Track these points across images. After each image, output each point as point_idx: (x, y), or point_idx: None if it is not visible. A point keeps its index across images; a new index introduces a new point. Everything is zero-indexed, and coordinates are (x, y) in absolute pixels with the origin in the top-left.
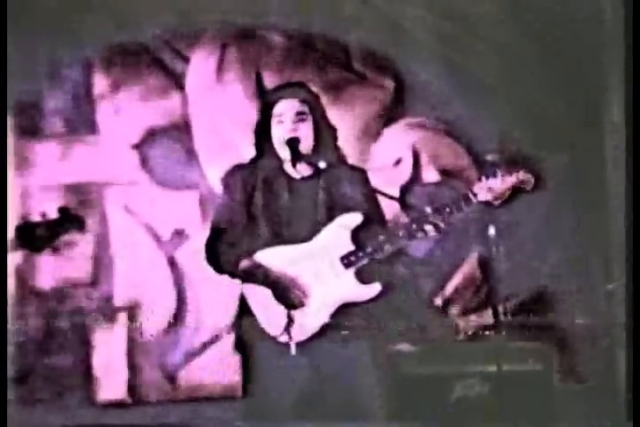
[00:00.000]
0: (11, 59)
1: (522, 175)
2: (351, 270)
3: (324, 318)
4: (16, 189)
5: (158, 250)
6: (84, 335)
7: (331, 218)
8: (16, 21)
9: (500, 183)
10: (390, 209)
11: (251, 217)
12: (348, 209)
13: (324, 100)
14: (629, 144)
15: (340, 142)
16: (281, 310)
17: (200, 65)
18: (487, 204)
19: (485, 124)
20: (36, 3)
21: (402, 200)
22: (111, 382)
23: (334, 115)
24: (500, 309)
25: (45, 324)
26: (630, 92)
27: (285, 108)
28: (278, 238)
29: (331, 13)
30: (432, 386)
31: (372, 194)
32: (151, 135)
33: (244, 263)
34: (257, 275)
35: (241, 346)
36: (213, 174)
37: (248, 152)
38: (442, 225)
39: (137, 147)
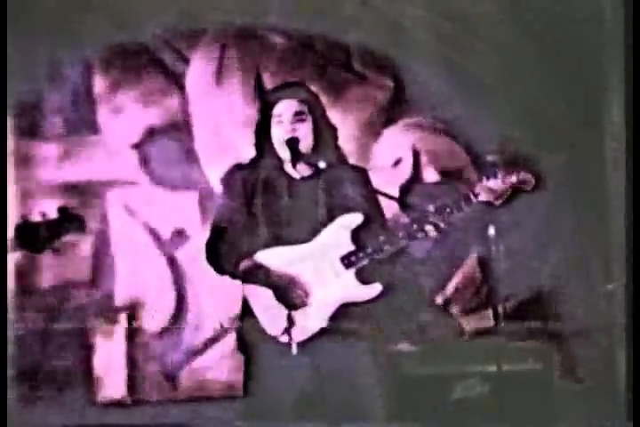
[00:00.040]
0: (11, 59)
1: (522, 175)
2: (351, 271)
3: (324, 318)
4: (16, 189)
5: (158, 250)
6: (84, 335)
7: (331, 218)
8: (16, 21)
9: (501, 183)
10: (390, 209)
11: (251, 217)
12: (348, 209)
13: (324, 100)
14: (629, 144)
15: (341, 142)
16: (282, 310)
17: (200, 65)
18: (488, 204)
19: (485, 124)
20: (36, 3)
21: (402, 200)
22: (111, 382)
23: (334, 115)
24: (500, 309)
25: (45, 324)
26: (630, 92)
27: (284, 109)
28: (278, 239)
29: (331, 13)
30: (432, 386)
31: (372, 194)
32: (151, 135)
33: (245, 264)
34: (257, 275)
35: (242, 346)
36: (213, 174)
37: (248, 152)
38: (442, 225)
39: (137, 147)
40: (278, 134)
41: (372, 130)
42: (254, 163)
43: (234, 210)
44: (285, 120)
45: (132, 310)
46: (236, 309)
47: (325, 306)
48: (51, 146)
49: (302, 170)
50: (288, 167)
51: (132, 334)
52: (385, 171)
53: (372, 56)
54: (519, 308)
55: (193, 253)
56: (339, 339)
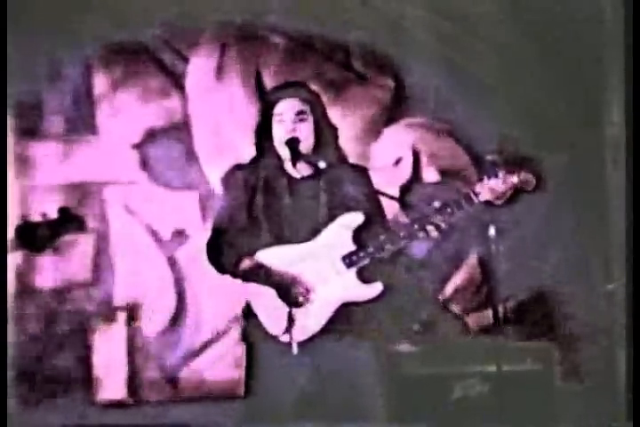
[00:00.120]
0: (11, 59)
1: (523, 175)
2: (352, 270)
3: (325, 317)
4: (16, 189)
5: (158, 250)
6: (84, 335)
7: (332, 218)
8: (16, 21)
9: (502, 183)
10: (391, 209)
11: (252, 217)
12: (349, 209)
13: (324, 99)
14: (629, 144)
15: (341, 142)
16: (282, 309)
17: (200, 65)
18: (488, 203)
19: (485, 123)
20: (36, 3)
21: (402, 200)
22: (111, 382)
23: (334, 115)
24: (500, 309)
25: (45, 324)
26: (630, 92)
27: (285, 108)
28: (279, 238)
29: (331, 13)
30: (432, 386)
31: (373, 193)
32: (151, 135)
33: (246, 263)
34: (258, 274)
35: (242, 346)
36: (213, 174)
37: (248, 152)
38: (443, 225)
39: (137, 147)
40: (279, 134)
41: (373, 130)
42: (255, 162)
43: (234, 209)
44: (287, 119)
45: (132, 311)
46: (237, 309)
47: (326, 305)
48: (51, 146)
49: (302, 169)
50: (288, 167)
51: (132, 334)
52: (385, 171)
53: (373, 56)
54: (519, 308)
55: (193, 254)
56: (339, 338)
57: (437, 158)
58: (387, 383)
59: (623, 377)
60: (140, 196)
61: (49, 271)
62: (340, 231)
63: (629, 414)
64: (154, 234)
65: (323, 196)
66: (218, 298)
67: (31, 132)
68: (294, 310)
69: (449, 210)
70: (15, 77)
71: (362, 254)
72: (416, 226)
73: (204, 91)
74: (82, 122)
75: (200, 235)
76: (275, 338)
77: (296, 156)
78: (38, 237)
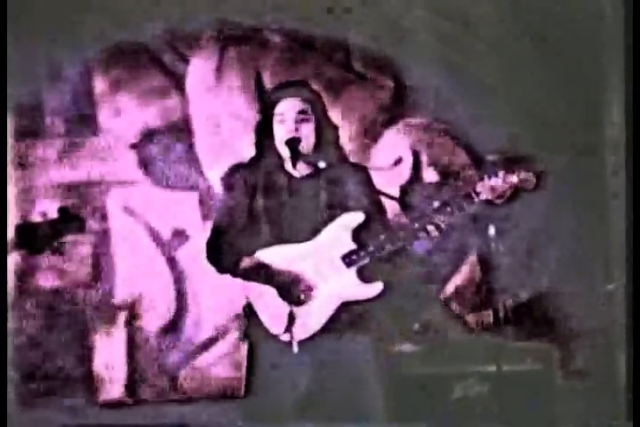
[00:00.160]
0: (10, 59)
1: (523, 175)
2: (353, 269)
3: (325, 316)
4: (16, 189)
5: (158, 250)
6: (84, 335)
7: (332, 217)
8: (16, 21)
9: (502, 182)
10: (391, 209)
11: (252, 216)
12: (349, 208)
13: (324, 99)
14: (629, 144)
15: (341, 142)
16: (283, 308)
17: (200, 65)
18: (488, 203)
19: (485, 124)
20: (36, 3)
21: (402, 200)
22: (111, 382)
23: (334, 115)
24: (500, 308)
25: (45, 324)
26: (630, 92)
27: (287, 107)
28: (279, 238)
29: (331, 13)
30: (432, 386)
31: (373, 193)
32: (151, 135)
33: (246, 262)
34: (259, 273)
35: (243, 345)
36: (213, 174)
37: (248, 152)
38: (443, 225)
39: (137, 147)
40: (280, 133)
41: (373, 130)
42: (255, 162)
43: (234, 209)
44: (289, 119)
45: (132, 310)
46: (237, 308)
47: (326, 304)
48: (51, 146)
49: (302, 169)
50: (288, 166)
51: (132, 333)
52: (385, 171)
53: (372, 56)
54: (519, 308)
55: (193, 253)
56: (339, 337)
57: (437, 158)
58: (387, 383)
59: (623, 377)
60: (140, 196)
61: (49, 271)
62: (341, 230)
63: (629, 414)
64: (154, 234)
65: (323, 195)
66: (218, 298)
67: (31, 132)
68: (295, 310)
69: (449, 209)
70: (15, 78)
71: (362, 254)
72: (416, 225)
73: (204, 91)
74: (82, 122)
75: (200, 235)
76: (275, 337)
77: (296, 155)
78: (38, 236)
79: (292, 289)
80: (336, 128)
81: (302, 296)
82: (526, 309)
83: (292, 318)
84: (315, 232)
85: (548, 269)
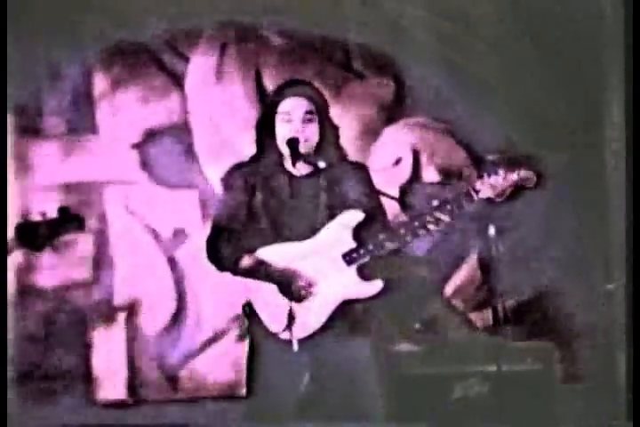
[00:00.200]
0: (11, 59)
1: (523, 173)
2: (353, 267)
3: (325, 314)
4: (16, 188)
5: (158, 250)
6: (84, 335)
7: (332, 216)
8: (16, 21)
9: (502, 180)
10: (391, 209)
11: (252, 215)
12: (349, 206)
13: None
14: (629, 144)
15: (342, 141)
16: (283, 306)
17: (200, 65)
18: (488, 201)
19: (485, 123)
20: (36, 3)
21: (402, 200)
22: (111, 382)
23: (334, 114)
24: (500, 308)
25: (45, 323)
26: (630, 92)
27: (293, 107)
28: (280, 236)
29: (331, 13)
30: (432, 386)
31: (373, 191)
32: (151, 135)
33: (246, 260)
34: (259, 271)
35: (243, 344)
36: (213, 174)
37: (248, 151)
38: (443, 223)
39: (137, 147)
40: (284, 132)
41: (372, 130)
42: (255, 160)
43: (234, 207)
44: (296, 119)
45: (132, 310)
46: (237, 308)
47: (327, 303)
48: (51, 146)
49: (302, 168)
50: (288, 165)
51: (132, 333)
52: (385, 170)
53: (372, 56)
54: (519, 308)
55: (193, 253)
56: (339, 336)
57: (437, 158)
58: (387, 383)
59: (623, 377)
60: (140, 195)
61: (49, 271)
62: (341, 229)
63: (629, 414)
64: (154, 233)
65: (323, 194)
66: (218, 297)
67: (31, 131)
68: (295, 308)
69: (448, 207)
70: (15, 77)
71: (362, 252)
72: (416, 223)
73: (204, 90)
74: (82, 122)
75: (200, 234)
76: (275, 336)
77: (296, 155)
78: (38, 236)
79: (292, 286)
80: (336, 128)
81: (303, 292)
82: (526, 309)
83: (292, 317)
84: (314, 231)
85: (548, 270)
